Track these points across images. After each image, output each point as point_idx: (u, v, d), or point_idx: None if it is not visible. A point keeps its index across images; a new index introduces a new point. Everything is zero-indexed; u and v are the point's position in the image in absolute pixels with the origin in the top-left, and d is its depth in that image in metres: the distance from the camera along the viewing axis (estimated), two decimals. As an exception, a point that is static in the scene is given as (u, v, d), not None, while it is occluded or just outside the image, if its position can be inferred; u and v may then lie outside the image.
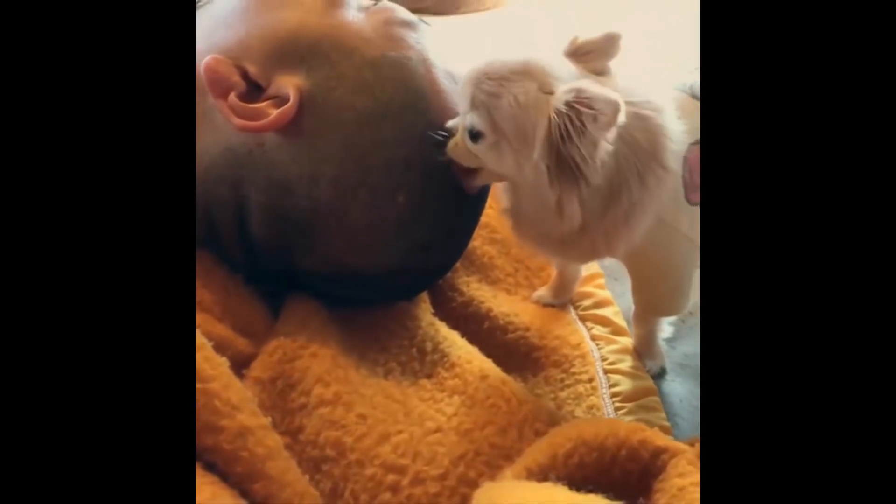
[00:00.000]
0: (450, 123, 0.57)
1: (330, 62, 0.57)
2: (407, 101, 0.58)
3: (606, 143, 0.48)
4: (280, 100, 0.56)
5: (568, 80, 0.50)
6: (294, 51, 0.57)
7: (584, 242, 0.56)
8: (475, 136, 0.53)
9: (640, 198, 0.53)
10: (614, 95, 0.46)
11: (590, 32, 0.53)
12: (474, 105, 0.52)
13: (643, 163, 0.52)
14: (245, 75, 0.57)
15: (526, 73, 0.50)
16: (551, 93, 0.49)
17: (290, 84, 0.56)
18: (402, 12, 0.63)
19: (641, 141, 0.51)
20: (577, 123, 0.47)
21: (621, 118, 0.47)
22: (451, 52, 0.65)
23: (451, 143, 0.56)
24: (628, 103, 0.49)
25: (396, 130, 0.57)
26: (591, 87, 0.47)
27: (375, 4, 0.63)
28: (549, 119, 0.48)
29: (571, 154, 0.48)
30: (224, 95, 0.55)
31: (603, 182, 0.51)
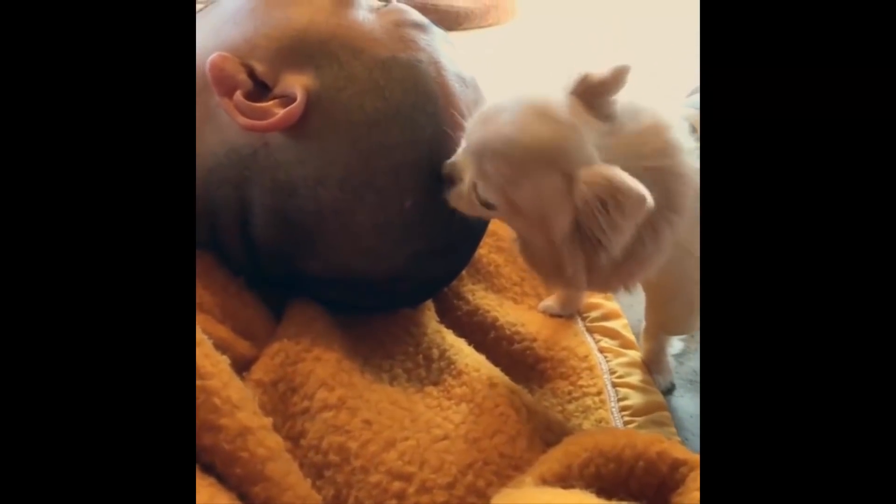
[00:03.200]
0: (446, 167, 0.54)
1: (339, 62, 0.56)
2: (417, 103, 0.57)
3: (630, 230, 0.47)
4: (287, 99, 0.55)
5: (588, 155, 0.47)
6: (302, 50, 0.56)
7: (597, 286, 0.54)
8: (487, 204, 0.51)
9: (654, 248, 0.51)
10: (641, 189, 0.44)
11: (596, 67, 0.50)
12: (486, 179, 0.50)
13: (656, 216, 0.49)
14: (252, 74, 0.56)
15: (548, 160, 0.47)
16: (573, 178, 0.47)
17: (297, 83, 0.55)
18: (413, 14, 0.62)
19: (655, 196, 0.48)
20: (602, 210, 0.45)
21: (649, 209, 0.45)
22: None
23: (455, 194, 0.54)
24: (638, 157, 0.48)
25: (406, 133, 0.56)
26: (619, 175, 0.45)
27: (386, 6, 0.62)
28: (573, 206, 0.47)
29: (593, 231, 0.47)
30: (230, 94, 0.54)
31: None
